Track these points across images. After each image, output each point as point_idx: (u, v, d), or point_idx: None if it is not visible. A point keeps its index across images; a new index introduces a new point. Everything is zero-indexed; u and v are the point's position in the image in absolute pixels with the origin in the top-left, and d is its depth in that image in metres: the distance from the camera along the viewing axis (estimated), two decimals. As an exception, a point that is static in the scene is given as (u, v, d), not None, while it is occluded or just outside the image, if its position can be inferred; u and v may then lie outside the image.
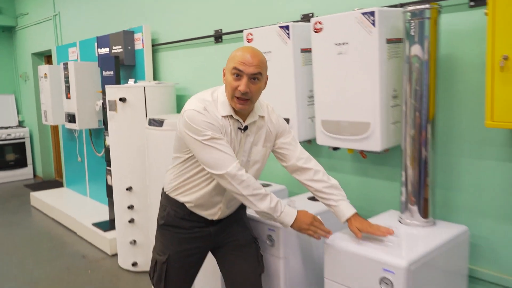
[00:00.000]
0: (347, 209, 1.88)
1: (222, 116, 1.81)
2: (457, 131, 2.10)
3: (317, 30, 2.26)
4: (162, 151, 2.97)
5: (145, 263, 3.53)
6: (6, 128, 7.32)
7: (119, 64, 4.00)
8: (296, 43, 2.43)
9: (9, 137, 7.12)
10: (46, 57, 6.95)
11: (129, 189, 3.48)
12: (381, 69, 2.04)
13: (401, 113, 2.04)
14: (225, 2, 3.29)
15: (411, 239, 1.90)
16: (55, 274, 3.60)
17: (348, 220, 1.87)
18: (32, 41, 6.89)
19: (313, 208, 2.28)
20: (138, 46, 4.09)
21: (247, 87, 1.75)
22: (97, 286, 3.36)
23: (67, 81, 4.64)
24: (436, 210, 2.12)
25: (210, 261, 2.16)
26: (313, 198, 2.49)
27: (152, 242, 2.16)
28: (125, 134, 3.47)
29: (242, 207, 2.13)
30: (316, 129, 2.39)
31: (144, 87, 3.41)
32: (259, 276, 2.09)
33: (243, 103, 1.79)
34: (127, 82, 3.63)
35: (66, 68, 4.62)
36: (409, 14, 1.92)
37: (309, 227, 1.86)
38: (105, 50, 4.35)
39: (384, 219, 2.11)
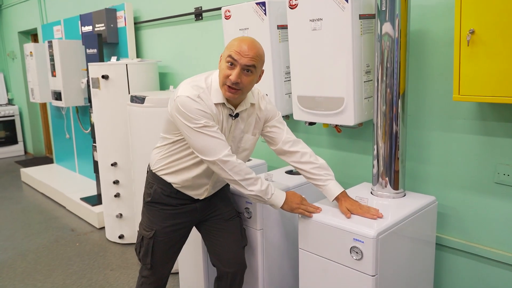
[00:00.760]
0: (335, 188, 1.85)
1: (215, 104, 1.75)
2: (427, 106, 2.07)
3: (292, 6, 2.19)
4: (144, 127, 2.91)
5: (131, 236, 3.51)
6: (-4, 106, 7.14)
7: (102, 42, 3.88)
8: (273, 20, 2.36)
9: (-1, 115, 6.96)
10: (32, 35, 6.73)
11: (114, 164, 3.42)
12: (353, 45, 1.99)
13: (373, 88, 2.00)
14: (205, -21, 3.18)
15: (381, 209, 1.88)
16: (44, 246, 3.56)
17: (337, 199, 1.84)
18: (18, 20, 6.65)
19: (291, 182, 2.27)
20: (120, 24, 3.96)
21: (238, 78, 1.68)
22: (85, 257, 3.34)
23: (52, 59, 4.50)
24: (407, 182, 2.12)
25: (192, 233, 2.14)
26: (290, 172, 2.47)
27: (137, 215, 2.12)
28: (109, 111, 3.39)
29: (227, 184, 2.10)
30: (292, 105, 2.35)
31: (126, 65, 3.31)
32: (243, 248, 2.09)
33: (233, 92, 1.72)
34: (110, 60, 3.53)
35: (50, 46, 4.47)
36: (381, -11, 1.86)
37: (300, 206, 1.84)
38: (88, 28, 4.21)
39: (357, 191, 2.10)
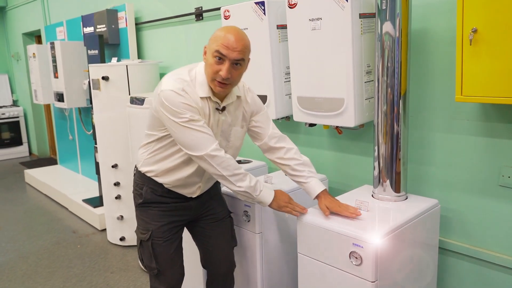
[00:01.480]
0: (317, 186, 1.83)
1: (201, 98, 1.70)
2: (429, 106, 2.02)
3: (291, 6, 2.14)
4: (143, 129, 2.87)
5: (132, 238, 3.48)
6: (1, 107, 7.15)
7: (104, 43, 3.86)
8: (272, 20, 2.31)
9: (3, 116, 6.97)
10: (36, 37, 6.74)
11: (114, 166, 3.40)
12: (354, 45, 1.94)
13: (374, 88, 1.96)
14: (205, -21, 3.15)
15: (382, 213, 1.84)
16: (45, 248, 3.55)
17: (318, 197, 1.82)
18: (22, 21, 6.66)
19: (291, 184, 2.22)
20: (122, 24, 3.94)
21: (229, 73, 1.63)
22: (85, 260, 3.32)
23: (54, 61, 4.49)
24: (409, 184, 2.07)
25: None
26: (290, 174, 2.43)
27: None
28: (109, 112, 3.37)
29: (219, 182, 2.05)
30: (292, 106, 2.31)
31: (127, 66, 3.29)
32: (232, 249, 2.08)
33: (223, 86, 1.67)
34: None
35: (53, 47, 4.46)
36: (381, -13, 1.81)
37: (287, 205, 1.82)
38: (90, 29, 4.19)
39: (358, 194, 2.05)
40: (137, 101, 2.89)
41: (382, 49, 1.84)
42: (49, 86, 4.99)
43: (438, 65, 1.95)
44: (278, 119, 2.47)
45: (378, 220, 1.76)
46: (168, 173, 1.83)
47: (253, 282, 2.18)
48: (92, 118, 4.05)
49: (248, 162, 2.74)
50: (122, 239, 3.52)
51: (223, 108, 1.77)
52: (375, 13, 1.89)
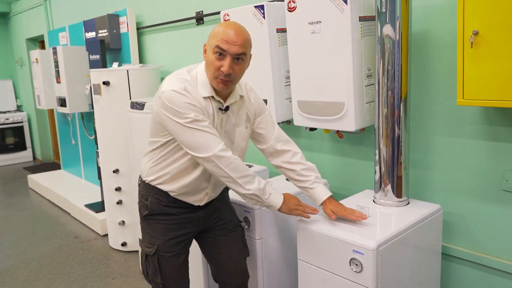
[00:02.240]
0: (323, 192, 1.78)
1: (203, 97, 1.64)
2: (430, 109, 2.00)
3: (291, 9, 2.13)
4: (144, 134, 2.85)
5: (133, 243, 3.47)
6: (5, 112, 7.18)
7: (105, 48, 3.86)
8: (272, 23, 2.30)
9: (8, 121, 7.00)
10: (40, 42, 6.77)
11: (116, 171, 3.39)
12: (354, 48, 1.92)
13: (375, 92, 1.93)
14: (206, -17, 3.14)
15: (383, 219, 1.82)
16: (47, 254, 3.54)
17: (323, 203, 1.78)
18: (26, 27, 6.70)
19: (293, 189, 2.19)
20: (123, 29, 3.94)
21: (230, 68, 1.57)
22: (87, 265, 3.30)
23: (56, 66, 4.50)
24: (410, 189, 2.04)
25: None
26: (291, 178, 2.40)
27: (139, 223, 1.99)
28: (110, 117, 3.36)
29: (227, 189, 1.99)
30: (293, 110, 2.29)
31: (127, 70, 3.28)
32: (245, 259, 1.99)
33: (226, 83, 1.61)
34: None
35: (55, 52, 4.47)
36: (380, -10, 1.79)
37: (298, 207, 1.76)
38: (91, 34, 4.20)
39: (359, 200, 2.02)
40: (138, 105, 2.88)
41: (383, 52, 1.82)
42: (51, 91, 4.99)
43: (439, 68, 1.93)
44: (278, 123, 2.45)
45: (379, 226, 1.73)
46: (174, 179, 1.75)
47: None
48: (94, 123, 4.05)
49: (249, 166, 2.71)
50: (123, 244, 3.50)
51: (227, 108, 1.71)
52: (375, 16, 1.87)
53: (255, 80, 2.32)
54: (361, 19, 1.93)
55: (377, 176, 1.95)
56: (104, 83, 3.26)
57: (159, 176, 1.78)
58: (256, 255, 2.10)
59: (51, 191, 4.93)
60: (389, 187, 1.92)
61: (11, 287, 3.03)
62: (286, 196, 1.77)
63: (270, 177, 2.62)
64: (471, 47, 1.51)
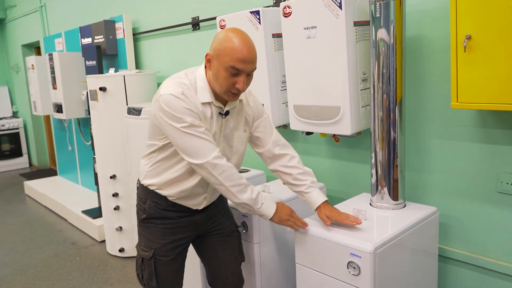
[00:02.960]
0: (318, 197, 1.78)
1: (202, 103, 1.64)
2: (425, 113, 2.02)
3: (286, 15, 2.15)
4: (141, 139, 2.87)
5: (131, 249, 3.47)
6: (1, 119, 7.17)
7: (101, 54, 3.87)
8: (268, 28, 2.32)
9: (3, 128, 6.99)
10: (35, 48, 6.78)
11: (113, 177, 3.40)
12: (349, 52, 1.94)
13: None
14: (201, -11, 3.16)
15: (380, 222, 1.83)
16: (44, 261, 3.53)
17: (318, 208, 1.78)
18: (22, 33, 6.71)
19: (289, 193, 2.21)
20: (119, 35, 3.96)
21: (246, 85, 1.60)
22: (84, 272, 3.30)
23: (52, 72, 4.51)
24: (407, 191, 2.05)
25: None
26: (288, 183, 2.41)
27: (136, 229, 1.99)
28: (107, 123, 3.38)
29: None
30: (289, 114, 2.31)
31: (124, 76, 3.30)
32: (240, 265, 2.00)
33: (237, 95, 1.65)
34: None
35: (51, 58, 4.48)
36: (374, -5, 1.82)
37: (289, 218, 1.77)
38: (88, 40, 4.21)
39: (356, 203, 2.04)
40: (134, 111, 2.89)
41: (377, 56, 1.84)
42: (48, 97, 5.00)
43: (434, 72, 1.95)
44: (275, 127, 2.47)
45: (376, 229, 1.74)
46: (172, 184, 1.75)
47: (252, 293, 2.16)
48: (90, 129, 4.06)
49: (246, 171, 2.73)
50: (121, 250, 3.50)
51: (227, 113, 1.72)
52: (369, 20, 1.89)
53: (252, 85, 2.34)
54: (356, 24, 1.96)
55: (374, 179, 1.97)
56: (100, 89, 3.27)
57: (157, 182, 1.78)
58: (254, 260, 2.11)
59: (48, 198, 4.92)
60: (385, 190, 1.94)
61: (8, 294, 3.03)
62: (279, 206, 1.78)
63: (267, 181, 2.64)
64: (464, 51, 1.54)
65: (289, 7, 2.13)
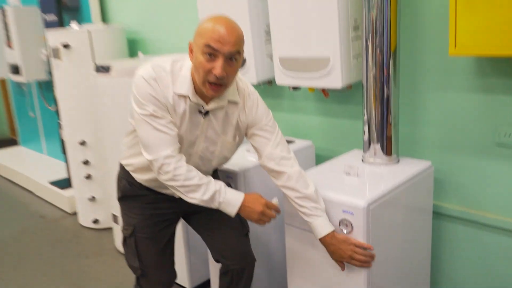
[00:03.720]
0: (322, 228, 1.66)
1: (178, 95, 1.58)
2: (421, 64, 2.04)
3: (269, -44, 2.11)
4: (111, 100, 2.84)
5: (106, 220, 3.49)
6: (-51, 84, 6.96)
7: (62, 6, 3.76)
8: (249, -27, 2.28)
9: (-47, 95, 6.79)
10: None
11: (82, 143, 3.37)
12: (338, -3, 1.93)
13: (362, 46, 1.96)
14: None
15: (373, 178, 1.89)
16: (11, 236, 3.54)
17: (324, 242, 1.67)
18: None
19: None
20: (81, -15, 3.83)
21: (223, 71, 1.48)
22: (56, 246, 3.32)
23: (6, 29, 4.36)
24: (401, 146, 2.10)
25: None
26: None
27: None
28: (73, 84, 3.32)
29: (215, 171, 1.96)
30: (274, 68, 2.31)
31: (89, 31, 3.22)
32: (246, 236, 1.96)
33: (217, 89, 1.53)
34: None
35: (4, 13, 4.33)
36: None
37: (261, 217, 1.67)
38: (46, -8, 4.06)
39: (348, 159, 2.09)
40: (103, 69, 2.85)
41: (370, 3, 1.83)
42: (2, 58, 4.85)
43: (431, 19, 1.96)
44: (259, 84, 2.47)
45: (369, 185, 1.80)
46: (142, 171, 1.76)
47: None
48: (54, 92, 3.98)
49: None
50: (95, 221, 3.52)
51: (207, 113, 1.65)
52: (360, -39, 1.88)
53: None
54: (346, -35, 1.94)
55: (366, 136, 2.01)
56: (64, 46, 3.19)
57: (134, 162, 1.79)
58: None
59: (10, 169, 4.88)
60: (378, 146, 1.98)
61: (-26, 271, 3.04)
62: (246, 203, 1.66)
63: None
64: (463, -6, 1.55)
65: None
